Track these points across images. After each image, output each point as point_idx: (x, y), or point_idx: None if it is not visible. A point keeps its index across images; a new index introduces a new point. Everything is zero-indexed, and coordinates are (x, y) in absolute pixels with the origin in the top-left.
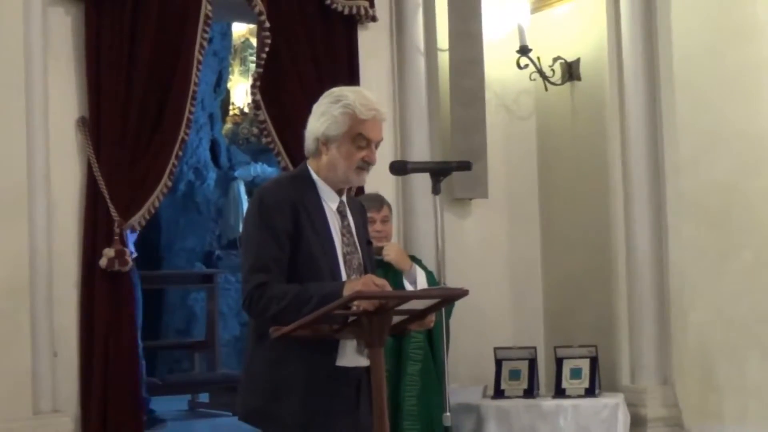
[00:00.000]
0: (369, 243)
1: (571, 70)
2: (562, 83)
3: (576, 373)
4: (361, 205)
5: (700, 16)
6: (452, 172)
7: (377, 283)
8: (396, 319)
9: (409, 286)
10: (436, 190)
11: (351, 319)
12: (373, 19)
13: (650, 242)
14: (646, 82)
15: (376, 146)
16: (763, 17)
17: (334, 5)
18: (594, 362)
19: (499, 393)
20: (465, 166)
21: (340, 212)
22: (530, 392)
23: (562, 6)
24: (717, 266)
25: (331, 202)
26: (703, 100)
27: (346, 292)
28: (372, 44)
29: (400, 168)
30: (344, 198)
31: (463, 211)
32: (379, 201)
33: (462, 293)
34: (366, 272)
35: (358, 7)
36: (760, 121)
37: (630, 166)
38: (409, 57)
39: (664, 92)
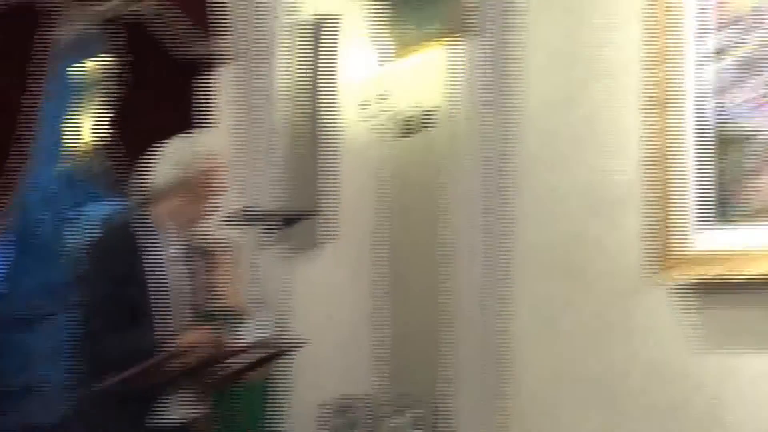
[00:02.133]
0: (208, 289)
1: (425, 119)
2: (416, 131)
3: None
4: (204, 249)
5: (552, 65)
6: (299, 219)
7: (209, 334)
8: (232, 367)
9: (247, 335)
10: (280, 238)
11: (180, 371)
12: (223, 62)
13: (488, 294)
14: (497, 130)
15: (219, 193)
16: (613, 60)
17: (184, 47)
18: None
19: None
20: (311, 213)
21: (180, 256)
22: None
23: (419, 55)
24: (557, 319)
25: (170, 245)
26: (554, 147)
27: (178, 343)
28: (222, 87)
29: (244, 215)
30: (186, 242)
31: (308, 258)
32: (222, 246)
33: (300, 344)
34: (204, 319)
35: (207, 49)
36: (609, 169)
37: (474, 216)
38: (257, 102)
39: (515, 139)
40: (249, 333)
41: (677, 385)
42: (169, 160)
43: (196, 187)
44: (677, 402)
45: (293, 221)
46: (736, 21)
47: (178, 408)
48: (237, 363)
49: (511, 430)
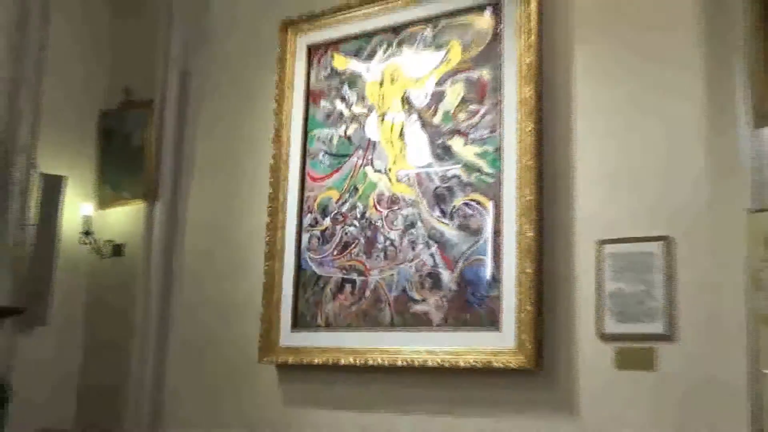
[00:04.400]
0: None
1: (117, 249)
2: (111, 257)
3: None
4: None
5: (210, 216)
6: (12, 313)
7: None
8: None
9: None
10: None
11: None
12: None
13: (151, 379)
14: (166, 258)
15: None
16: (251, 225)
17: None
18: None
19: None
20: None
21: None
22: None
23: (119, 207)
24: (201, 386)
25: None
26: (207, 267)
27: None
28: None
29: None
30: None
31: (32, 334)
32: None
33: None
34: None
35: None
36: (240, 287)
37: (150, 313)
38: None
39: (179, 264)
40: None
41: (272, 429)
42: None
43: None
44: None
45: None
46: (320, 208)
47: None
48: None
49: None
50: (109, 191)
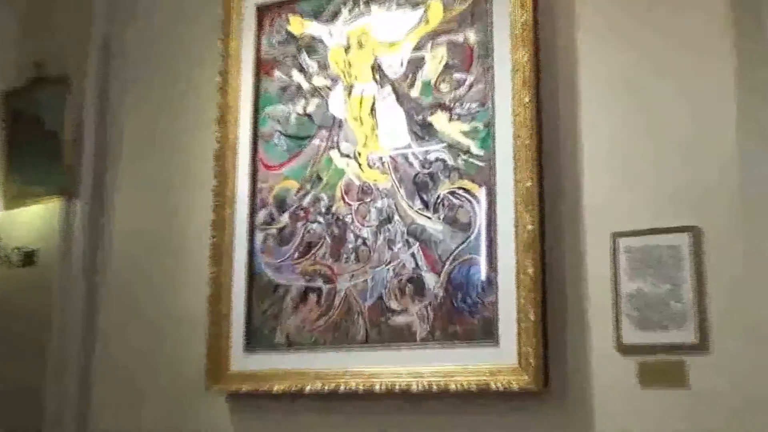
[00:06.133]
0: None
1: (28, 257)
2: (22, 266)
3: None
4: None
5: (144, 220)
6: None
7: None
8: None
9: None
10: None
11: None
12: None
13: (73, 423)
14: (87, 269)
15: None
16: (191, 224)
17: None
18: None
19: None
20: None
21: None
22: None
23: (31, 207)
24: (136, 417)
25: None
26: (142, 279)
27: None
28: None
29: None
30: None
31: None
32: None
33: None
34: None
35: None
36: (182, 303)
37: (72, 329)
38: None
39: (101, 284)
40: None
41: None
42: None
43: None
44: None
45: None
46: (276, 201)
47: None
48: None
49: None
50: (17, 186)
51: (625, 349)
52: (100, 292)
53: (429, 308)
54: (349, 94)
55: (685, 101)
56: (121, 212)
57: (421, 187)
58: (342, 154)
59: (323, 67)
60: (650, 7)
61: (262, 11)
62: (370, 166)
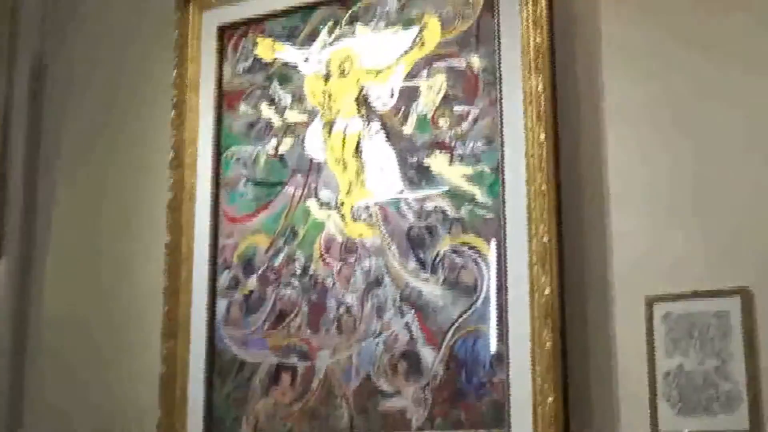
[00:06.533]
0: None
1: None
2: None
3: None
4: None
5: (79, 280)
6: None
7: None
8: None
9: None
10: None
11: None
12: None
13: None
14: (10, 345)
15: None
16: (138, 294)
17: None
18: None
19: None
20: None
21: None
22: None
23: None
24: None
25: None
26: (73, 368)
27: None
28: None
29: None
30: None
31: None
32: None
33: None
34: None
35: None
36: (127, 390)
37: None
38: None
39: (28, 362)
40: None
41: None
42: None
43: None
44: None
45: None
46: (242, 261)
47: None
48: None
49: None
50: None
51: None
52: (26, 371)
53: (427, 390)
54: (330, 131)
55: (733, 137)
56: (54, 275)
57: (416, 242)
58: (321, 204)
59: (298, 99)
60: (691, 24)
61: (225, 32)
62: (354, 219)
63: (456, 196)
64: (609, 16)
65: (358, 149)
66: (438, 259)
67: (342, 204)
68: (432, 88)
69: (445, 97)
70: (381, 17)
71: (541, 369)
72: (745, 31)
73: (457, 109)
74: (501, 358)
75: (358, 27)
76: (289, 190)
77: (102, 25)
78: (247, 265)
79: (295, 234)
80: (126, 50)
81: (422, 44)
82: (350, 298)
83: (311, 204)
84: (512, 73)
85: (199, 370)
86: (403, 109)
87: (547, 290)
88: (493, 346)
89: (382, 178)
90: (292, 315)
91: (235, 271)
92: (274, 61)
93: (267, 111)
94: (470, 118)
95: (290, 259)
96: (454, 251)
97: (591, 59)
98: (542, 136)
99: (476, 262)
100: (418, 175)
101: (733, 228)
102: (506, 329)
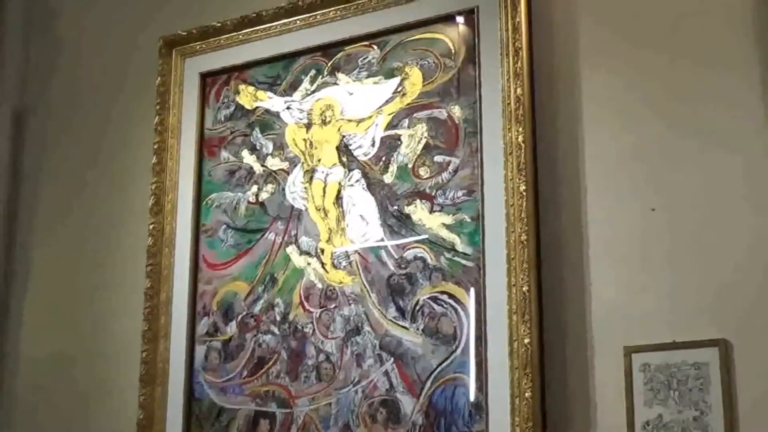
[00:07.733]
0: None
1: None
2: None
3: None
4: None
5: (60, 332)
6: None
7: None
8: None
9: None
10: None
11: None
12: None
13: None
14: None
15: None
16: (117, 336)
17: None
18: None
19: None
20: None
21: None
22: None
23: None
24: None
25: None
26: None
27: None
28: None
29: None
30: None
31: None
32: None
33: None
34: None
35: None
36: None
37: None
38: None
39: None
40: None
41: None
42: None
43: None
44: None
45: None
46: (222, 308)
47: None
48: None
49: None
50: None
51: None
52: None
53: None
54: (311, 179)
55: (710, 187)
56: (32, 319)
57: (396, 290)
58: (301, 252)
59: (279, 147)
60: (670, 78)
61: (207, 79)
62: (335, 266)
63: (436, 244)
64: (589, 69)
65: (338, 197)
66: (418, 308)
67: (322, 251)
68: (413, 138)
69: (426, 147)
70: (363, 67)
71: (520, 420)
72: (725, 88)
73: (438, 158)
74: (480, 408)
75: (340, 76)
76: (270, 237)
77: (84, 71)
78: (227, 312)
79: (274, 281)
80: (108, 96)
81: (404, 94)
82: (329, 346)
83: (291, 251)
84: (493, 123)
85: (177, 416)
86: (384, 158)
87: (527, 340)
88: (473, 396)
89: (363, 226)
90: (271, 362)
91: (214, 317)
92: (255, 109)
93: (248, 158)
94: (451, 167)
95: (270, 306)
96: (434, 300)
97: (571, 111)
98: (522, 187)
99: (456, 311)
100: (398, 223)
101: (711, 279)
102: (485, 379)
